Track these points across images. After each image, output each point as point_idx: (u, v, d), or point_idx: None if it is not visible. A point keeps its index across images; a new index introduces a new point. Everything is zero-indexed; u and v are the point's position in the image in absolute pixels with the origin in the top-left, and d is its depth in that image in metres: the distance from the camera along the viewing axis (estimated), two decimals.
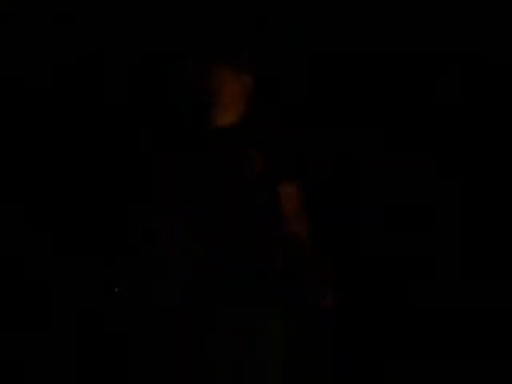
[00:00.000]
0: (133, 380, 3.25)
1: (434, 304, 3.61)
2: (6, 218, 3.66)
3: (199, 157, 2.32)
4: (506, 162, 3.60)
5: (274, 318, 2.26)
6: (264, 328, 2.26)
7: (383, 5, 3.53)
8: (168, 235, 2.31)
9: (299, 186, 2.39)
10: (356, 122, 3.69)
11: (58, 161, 3.74)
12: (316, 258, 2.35)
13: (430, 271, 3.66)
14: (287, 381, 2.24)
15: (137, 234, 3.55)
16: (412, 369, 3.46)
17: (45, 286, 3.68)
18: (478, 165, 3.61)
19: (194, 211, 2.28)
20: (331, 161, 3.66)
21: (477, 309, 3.55)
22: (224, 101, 2.35)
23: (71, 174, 3.75)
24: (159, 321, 2.33)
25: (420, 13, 3.53)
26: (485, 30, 3.51)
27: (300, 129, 2.73)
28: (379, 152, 3.71)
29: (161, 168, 2.35)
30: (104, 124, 3.76)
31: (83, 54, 3.64)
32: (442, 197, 3.69)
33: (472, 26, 3.52)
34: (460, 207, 3.67)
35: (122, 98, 3.72)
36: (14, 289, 3.63)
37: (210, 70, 2.33)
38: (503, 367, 3.40)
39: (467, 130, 3.63)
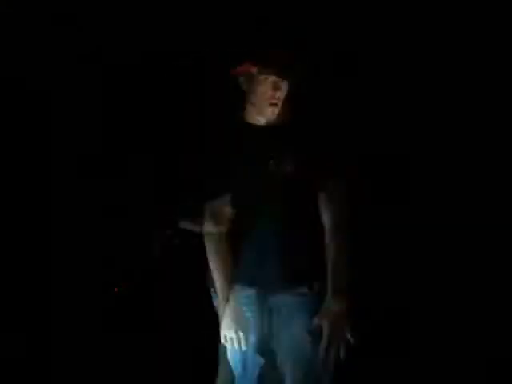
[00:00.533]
0: None
1: None
2: (6, 218, 3.67)
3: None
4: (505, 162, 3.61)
5: None
6: None
7: (383, 5, 3.54)
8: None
9: None
10: (355, 122, 3.69)
11: (57, 160, 3.75)
12: None
13: None
14: None
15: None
16: None
17: (45, 286, 3.68)
18: (477, 165, 3.62)
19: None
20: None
21: None
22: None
23: (71, 173, 3.75)
24: None
25: (420, 13, 3.54)
26: (484, 30, 3.52)
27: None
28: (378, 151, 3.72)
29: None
30: (104, 124, 3.77)
31: (83, 53, 3.65)
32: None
33: (470, 29, 3.52)
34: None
35: (122, 99, 3.73)
36: (14, 288, 3.64)
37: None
38: None
39: (466, 130, 3.64)
